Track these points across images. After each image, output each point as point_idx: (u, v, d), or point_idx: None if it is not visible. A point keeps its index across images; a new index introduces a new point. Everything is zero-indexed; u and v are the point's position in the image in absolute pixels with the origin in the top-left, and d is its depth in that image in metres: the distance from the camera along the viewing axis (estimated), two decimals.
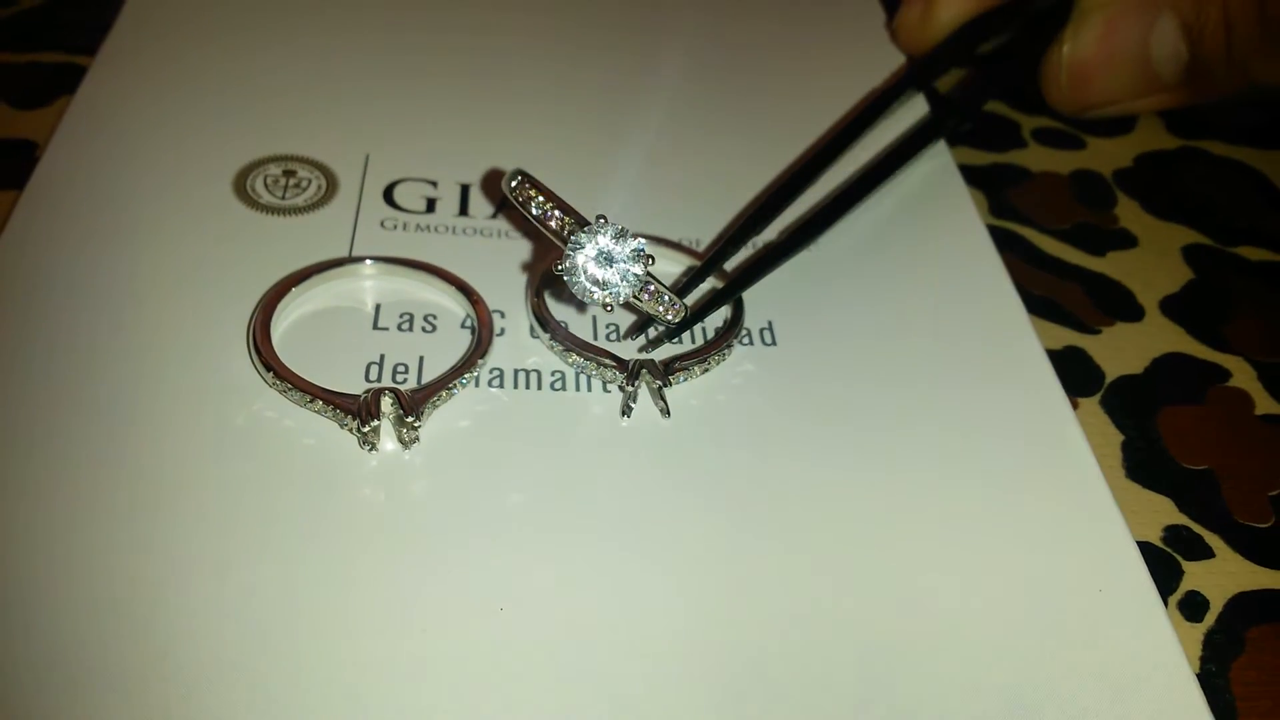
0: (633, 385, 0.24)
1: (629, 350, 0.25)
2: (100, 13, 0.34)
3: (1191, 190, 0.33)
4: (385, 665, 0.19)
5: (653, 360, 0.24)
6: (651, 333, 0.25)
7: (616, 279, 0.22)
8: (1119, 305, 0.29)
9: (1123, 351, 0.28)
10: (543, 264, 0.27)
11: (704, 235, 0.28)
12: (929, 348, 0.26)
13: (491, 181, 0.29)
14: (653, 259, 0.23)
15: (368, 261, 0.26)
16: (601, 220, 0.22)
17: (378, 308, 0.25)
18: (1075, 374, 0.26)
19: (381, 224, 0.27)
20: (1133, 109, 0.32)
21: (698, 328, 0.26)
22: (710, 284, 0.26)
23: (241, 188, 0.28)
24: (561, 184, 0.29)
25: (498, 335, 0.25)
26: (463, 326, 0.25)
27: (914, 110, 0.33)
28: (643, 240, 0.23)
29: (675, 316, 0.23)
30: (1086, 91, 0.31)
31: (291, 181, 0.28)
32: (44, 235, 0.26)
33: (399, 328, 0.25)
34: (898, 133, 0.32)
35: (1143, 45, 0.29)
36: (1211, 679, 0.21)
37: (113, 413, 0.22)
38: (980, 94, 0.33)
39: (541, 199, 0.23)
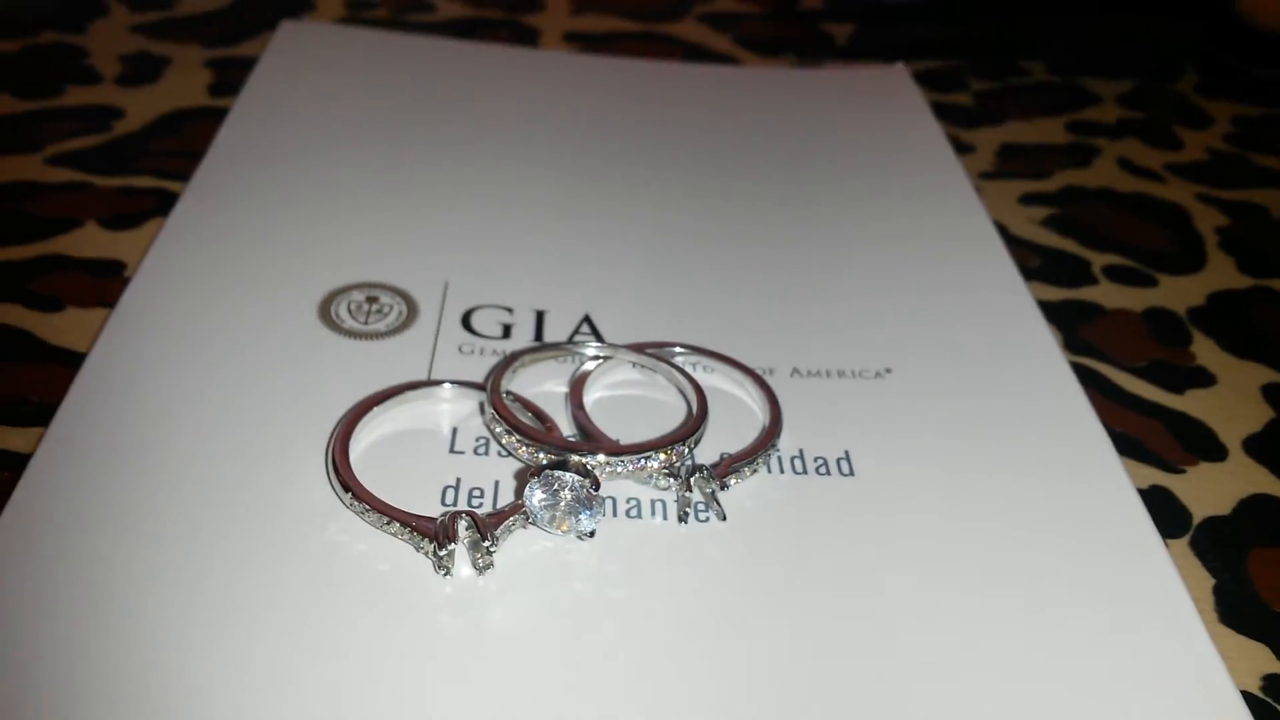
0: (688, 491, 0.24)
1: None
2: (193, 141, 0.35)
3: (1266, 329, 0.33)
4: None
5: (704, 466, 0.24)
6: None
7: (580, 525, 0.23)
8: (1202, 444, 0.28)
9: (1209, 492, 0.27)
10: (579, 377, 0.27)
11: (776, 362, 0.28)
12: (1016, 488, 0.25)
13: (566, 307, 0.29)
14: (599, 517, 0.23)
15: (446, 385, 0.26)
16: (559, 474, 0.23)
17: (454, 431, 0.25)
18: (1162, 514, 0.26)
19: (459, 349, 0.28)
20: None
21: (737, 428, 0.26)
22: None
23: (326, 313, 0.28)
24: (633, 305, 0.30)
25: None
26: None
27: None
28: (600, 511, 0.23)
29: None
30: None
31: (374, 307, 0.29)
32: (131, 355, 0.26)
33: (475, 451, 0.25)
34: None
35: None
36: None
37: (192, 535, 0.22)
38: None
39: (507, 433, 0.24)
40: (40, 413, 0.25)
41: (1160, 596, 0.23)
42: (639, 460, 0.24)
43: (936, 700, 0.20)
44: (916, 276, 0.32)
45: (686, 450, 0.24)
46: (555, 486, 0.23)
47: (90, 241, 0.31)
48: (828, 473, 0.25)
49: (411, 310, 0.29)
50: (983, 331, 0.30)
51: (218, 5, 0.47)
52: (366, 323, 0.28)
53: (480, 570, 0.22)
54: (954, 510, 0.24)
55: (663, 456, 0.24)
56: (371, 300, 0.29)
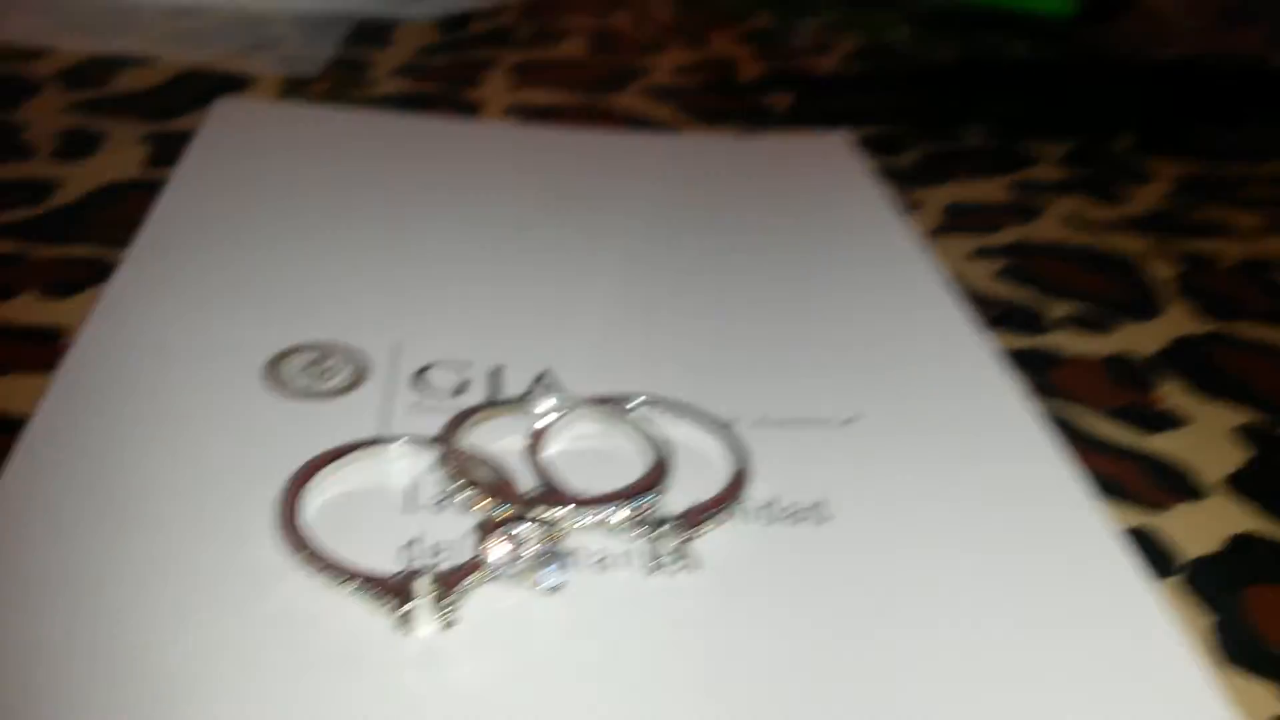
0: (656, 543, 0.23)
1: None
2: (133, 210, 0.34)
3: (1229, 372, 0.33)
4: None
5: (672, 516, 0.23)
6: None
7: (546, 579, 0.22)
8: (1182, 484, 0.28)
9: (1195, 530, 0.26)
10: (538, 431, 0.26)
11: (740, 412, 0.27)
12: (993, 534, 0.24)
13: (524, 362, 0.29)
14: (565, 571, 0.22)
15: (397, 442, 0.25)
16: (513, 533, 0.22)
17: (411, 488, 0.24)
18: (1148, 555, 0.25)
19: (412, 407, 0.27)
20: None
21: (704, 478, 0.25)
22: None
23: (272, 375, 0.27)
24: (593, 359, 0.29)
25: None
26: None
27: None
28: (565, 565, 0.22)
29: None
30: None
31: (322, 368, 0.28)
32: (71, 425, 0.25)
33: (434, 508, 0.24)
34: None
35: None
36: None
37: (138, 607, 0.21)
38: None
39: (465, 489, 0.23)
40: None
41: (1155, 638, 0.22)
42: (603, 512, 0.23)
43: None
44: (873, 329, 0.32)
45: (651, 501, 0.23)
46: (518, 541, 0.22)
47: (28, 310, 0.30)
48: (801, 520, 0.24)
49: (361, 370, 0.28)
50: (946, 378, 0.30)
51: (153, 82, 0.46)
52: (314, 384, 0.27)
53: (443, 628, 0.21)
54: (933, 555, 0.24)
55: (628, 509, 0.23)
56: (318, 361, 0.28)
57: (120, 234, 0.33)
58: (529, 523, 0.22)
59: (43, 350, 0.28)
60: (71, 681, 0.19)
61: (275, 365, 0.27)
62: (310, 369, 0.27)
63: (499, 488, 0.23)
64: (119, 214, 0.35)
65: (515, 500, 0.23)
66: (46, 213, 0.35)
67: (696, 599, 0.22)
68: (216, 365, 0.27)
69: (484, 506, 0.23)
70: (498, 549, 0.21)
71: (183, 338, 0.28)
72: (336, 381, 0.27)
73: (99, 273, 0.31)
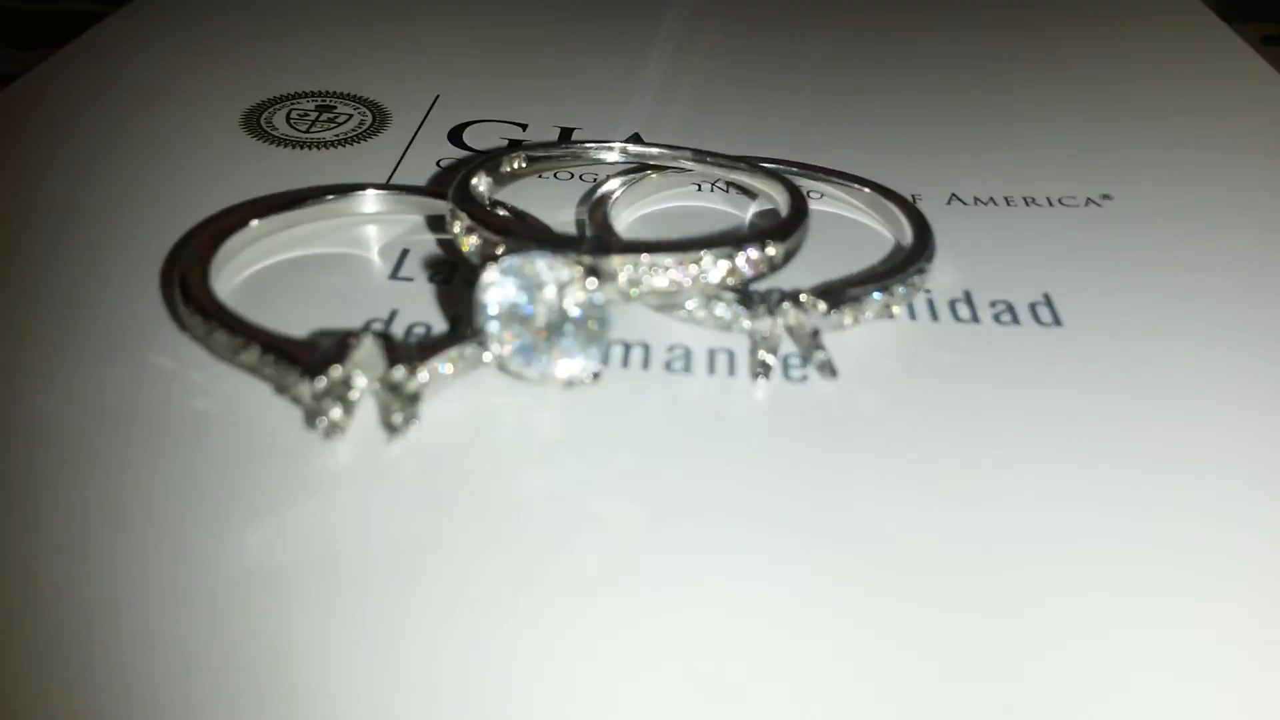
0: (771, 328, 0.14)
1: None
2: None
3: None
4: None
5: (802, 291, 0.14)
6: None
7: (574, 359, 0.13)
8: None
9: None
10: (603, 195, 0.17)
11: (926, 188, 0.18)
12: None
13: (604, 123, 0.20)
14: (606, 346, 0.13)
15: (370, 191, 0.16)
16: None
17: (404, 254, 0.16)
18: None
19: (438, 163, 0.18)
20: None
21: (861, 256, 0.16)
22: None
23: (253, 122, 0.19)
24: (704, 121, 0.20)
25: None
26: None
27: None
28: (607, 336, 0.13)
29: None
30: None
31: (325, 117, 0.20)
32: None
33: (430, 280, 0.15)
34: None
35: None
36: None
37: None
38: None
39: (469, 231, 0.15)
40: None
41: None
42: (687, 266, 0.14)
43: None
44: (1144, 85, 0.22)
45: (769, 258, 0.14)
46: (534, 283, 0.13)
47: None
48: (1013, 321, 0.15)
49: (378, 120, 0.20)
50: (1246, 148, 0.19)
51: None
52: (308, 131, 0.19)
53: (394, 429, 0.12)
54: (1197, 376, 0.14)
55: (728, 263, 0.14)
56: (325, 109, 0.20)
57: None
58: (566, 271, 0.13)
59: None
60: None
61: (262, 111, 0.20)
62: (307, 117, 0.20)
63: (521, 226, 0.15)
64: None
65: (545, 240, 0.14)
66: None
67: (830, 429, 0.13)
68: (185, 112, 0.20)
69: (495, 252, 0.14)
70: (497, 292, 0.13)
71: (156, 82, 0.21)
72: (340, 130, 0.19)
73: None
